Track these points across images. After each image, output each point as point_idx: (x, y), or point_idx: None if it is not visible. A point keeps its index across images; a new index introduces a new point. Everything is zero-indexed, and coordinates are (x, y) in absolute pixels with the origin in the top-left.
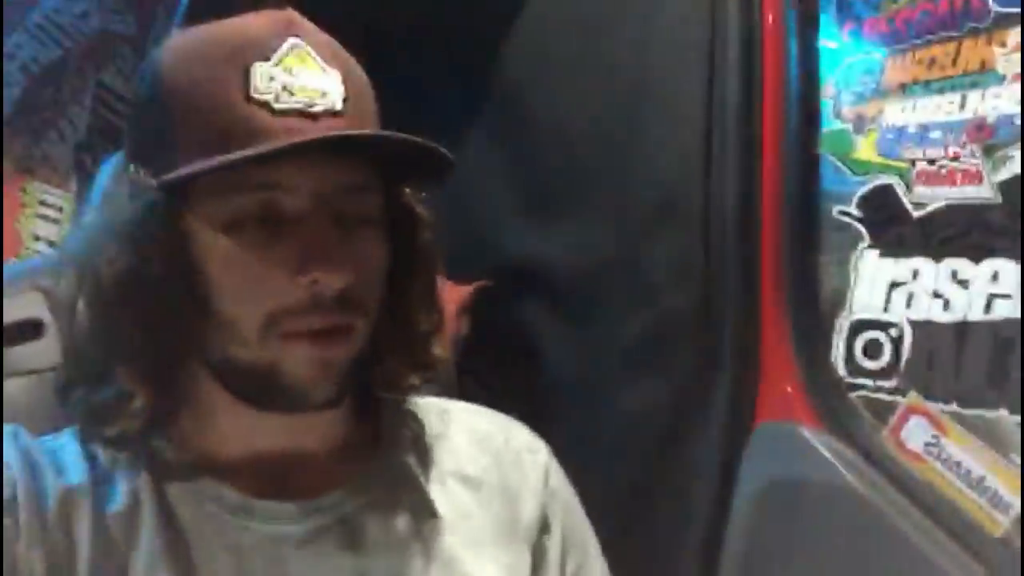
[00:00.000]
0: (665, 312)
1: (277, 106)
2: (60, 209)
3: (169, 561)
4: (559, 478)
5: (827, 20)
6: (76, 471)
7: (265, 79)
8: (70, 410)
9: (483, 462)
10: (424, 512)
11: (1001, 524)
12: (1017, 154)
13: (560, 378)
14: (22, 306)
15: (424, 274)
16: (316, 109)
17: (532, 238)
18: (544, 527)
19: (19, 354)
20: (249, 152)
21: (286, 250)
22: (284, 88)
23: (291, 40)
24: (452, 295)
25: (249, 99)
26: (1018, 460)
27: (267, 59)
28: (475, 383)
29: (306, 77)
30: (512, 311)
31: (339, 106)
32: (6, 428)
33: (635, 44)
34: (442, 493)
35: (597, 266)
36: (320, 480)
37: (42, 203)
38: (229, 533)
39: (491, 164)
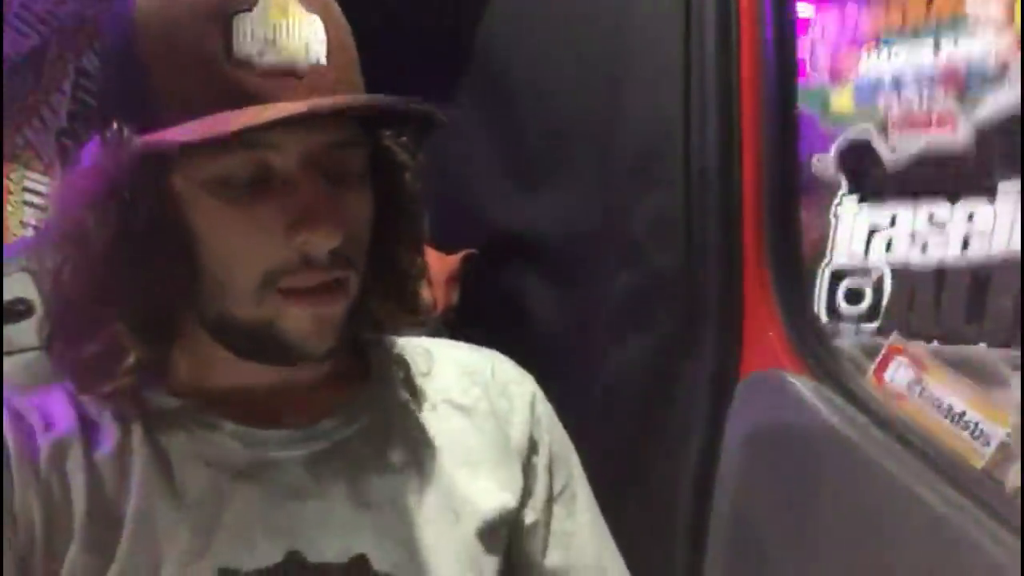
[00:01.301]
0: (649, 270)
1: (261, 64)
2: (45, 195)
3: (162, 491)
4: (544, 405)
5: None
6: (64, 420)
7: (247, 34)
8: (58, 366)
9: (473, 392)
10: (418, 435)
11: (983, 456)
12: (989, 98)
13: (550, 342)
14: (9, 286)
15: (408, 217)
16: (300, 66)
17: (518, 205)
18: (533, 448)
19: (9, 333)
20: (237, 126)
21: (276, 211)
22: (267, 41)
23: None
24: (440, 265)
25: (231, 55)
26: (998, 394)
27: (248, 9)
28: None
29: (289, 29)
30: (501, 278)
31: (323, 59)
32: None
33: (613, 7)
34: (434, 418)
35: (582, 229)
36: (313, 409)
37: (27, 190)
38: (225, 459)
39: (475, 133)
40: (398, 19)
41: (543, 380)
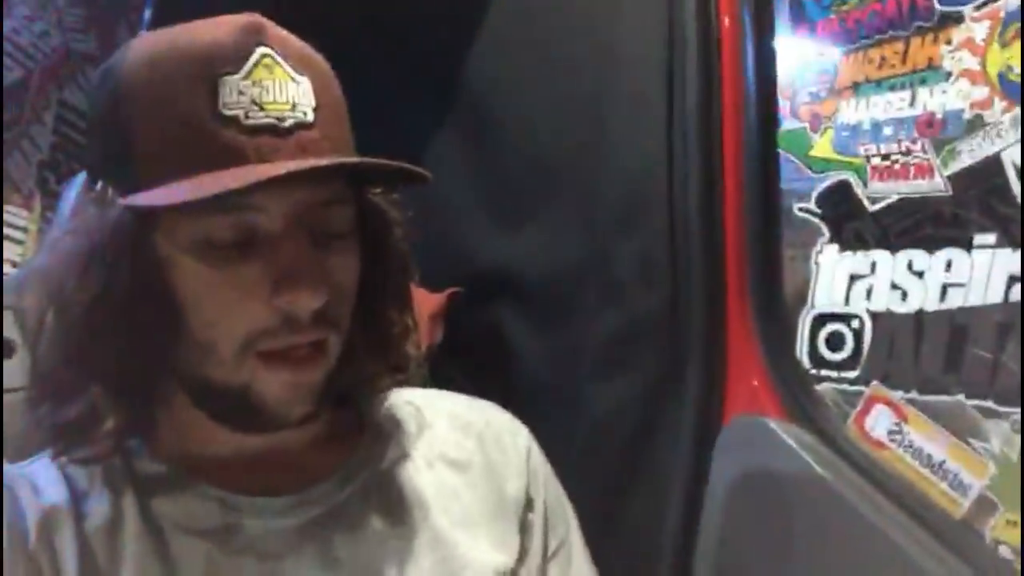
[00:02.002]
0: (633, 312)
1: (247, 123)
2: (24, 229)
3: (157, 567)
4: (539, 458)
5: (781, 22)
6: (54, 491)
7: (234, 93)
8: (38, 429)
9: (467, 446)
10: (413, 496)
11: (961, 505)
12: (964, 147)
13: (534, 381)
14: None
15: (395, 275)
16: (287, 124)
17: (502, 243)
18: (528, 504)
19: None
20: (218, 188)
21: (260, 273)
22: (254, 102)
23: (260, 49)
24: (425, 303)
25: (217, 115)
26: (976, 444)
27: (236, 71)
28: (450, 389)
29: (276, 89)
30: (485, 317)
31: (310, 117)
32: None
33: (596, 47)
34: (430, 476)
35: (567, 269)
36: (307, 473)
37: (6, 224)
38: (219, 533)
39: (460, 171)
40: (383, 55)
41: (525, 420)
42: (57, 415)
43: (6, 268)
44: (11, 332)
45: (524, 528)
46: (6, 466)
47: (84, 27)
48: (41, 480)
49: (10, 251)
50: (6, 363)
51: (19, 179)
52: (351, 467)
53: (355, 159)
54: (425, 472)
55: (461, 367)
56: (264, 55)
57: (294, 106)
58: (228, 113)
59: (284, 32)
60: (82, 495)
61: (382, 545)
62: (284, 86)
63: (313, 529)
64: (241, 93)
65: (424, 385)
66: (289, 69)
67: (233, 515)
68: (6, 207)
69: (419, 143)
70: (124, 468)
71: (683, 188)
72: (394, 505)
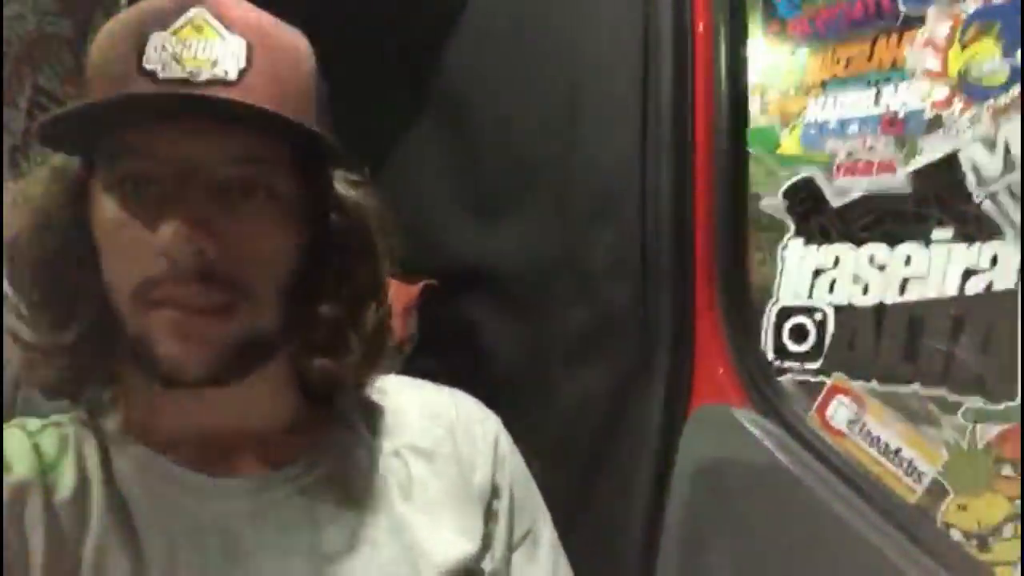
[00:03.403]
0: (604, 304)
1: (162, 75)
2: None
3: (120, 542)
4: (508, 446)
5: (753, 20)
6: (22, 464)
7: (157, 49)
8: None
9: (435, 434)
10: (378, 483)
11: (916, 492)
12: (926, 145)
13: (507, 373)
14: None
15: (360, 265)
16: (201, 78)
17: (477, 236)
18: (495, 492)
19: None
20: (79, 104)
21: (150, 219)
22: (174, 58)
23: (194, 10)
24: (399, 294)
25: (140, 70)
26: (931, 432)
27: (164, 29)
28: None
29: (199, 47)
30: (459, 308)
31: (232, 76)
32: None
33: (572, 44)
34: (396, 464)
35: (540, 262)
36: (271, 457)
37: None
38: (180, 511)
39: (436, 164)
40: (359, 45)
41: (498, 410)
42: (28, 366)
43: None
44: None
45: (489, 516)
46: None
47: (60, 11)
48: (11, 451)
49: None
50: None
51: None
52: (316, 453)
53: (224, 98)
54: (392, 460)
55: (435, 358)
56: (196, 15)
57: (214, 63)
58: (148, 67)
59: (237, 2)
60: (51, 464)
61: (343, 531)
62: (209, 44)
63: (274, 512)
64: (164, 49)
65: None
66: (220, 28)
67: (196, 494)
68: None
69: (395, 136)
70: (94, 439)
71: (655, 184)
72: (358, 492)
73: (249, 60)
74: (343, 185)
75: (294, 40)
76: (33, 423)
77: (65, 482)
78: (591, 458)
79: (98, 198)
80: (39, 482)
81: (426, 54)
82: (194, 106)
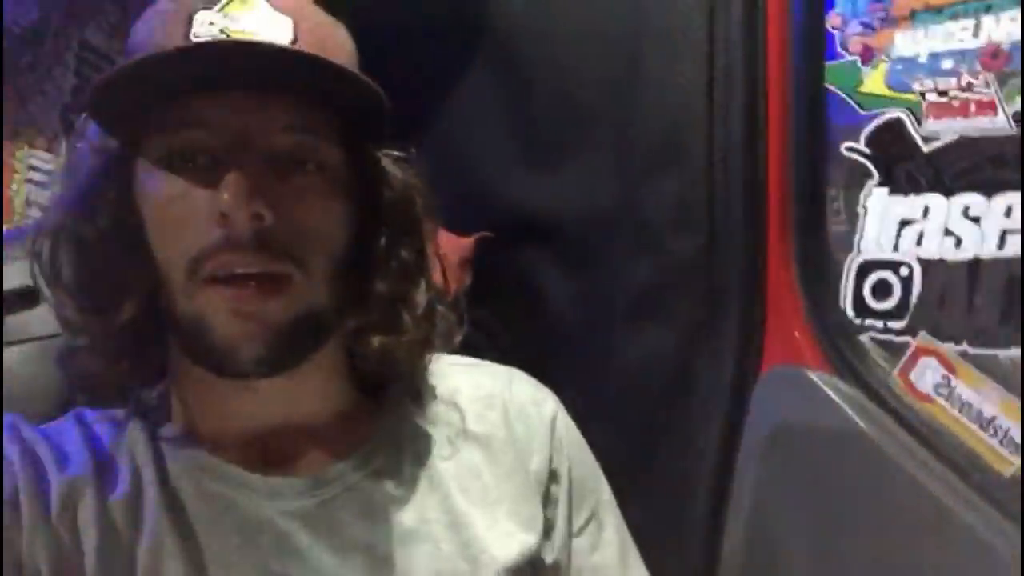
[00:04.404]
0: (668, 258)
1: None
2: (50, 173)
3: (175, 543)
4: (566, 427)
5: None
6: (78, 460)
7: (205, 24)
8: (67, 372)
9: (490, 418)
10: (432, 475)
11: (1012, 464)
12: None
13: (566, 327)
14: (16, 273)
15: (390, 235)
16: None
17: (533, 186)
18: (553, 476)
19: (18, 322)
20: (131, 61)
21: (205, 190)
22: (221, 31)
23: None
24: (454, 246)
25: (189, 42)
26: None
27: (211, 7)
28: (480, 334)
29: (247, 21)
30: (515, 261)
31: (283, 44)
32: (5, 420)
33: None
34: (451, 455)
35: (600, 212)
36: (325, 452)
37: (32, 168)
38: (235, 511)
39: (490, 112)
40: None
41: (556, 368)
42: (76, 360)
43: (35, 212)
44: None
45: (548, 502)
46: (30, 427)
47: None
48: (67, 445)
49: (38, 196)
50: (33, 311)
51: (43, 122)
52: (369, 447)
53: (275, 44)
54: (446, 449)
55: (491, 312)
56: None
57: (262, 36)
58: (196, 41)
59: None
60: (106, 463)
61: (400, 528)
62: (257, 19)
63: (328, 511)
64: (211, 24)
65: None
66: (268, 5)
67: (249, 494)
68: (33, 152)
69: (448, 84)
70: (147, 437)
71: (724, 125)
72: (412, 487)
73: (296, 35)
74: (388, 162)
75: (334, 23)
76: (90, 415)
77: (120, 481)
78: (654, 421)
79: (145, 174)
80: (94, 480)
81: (481, 3)
82: (253, 56)
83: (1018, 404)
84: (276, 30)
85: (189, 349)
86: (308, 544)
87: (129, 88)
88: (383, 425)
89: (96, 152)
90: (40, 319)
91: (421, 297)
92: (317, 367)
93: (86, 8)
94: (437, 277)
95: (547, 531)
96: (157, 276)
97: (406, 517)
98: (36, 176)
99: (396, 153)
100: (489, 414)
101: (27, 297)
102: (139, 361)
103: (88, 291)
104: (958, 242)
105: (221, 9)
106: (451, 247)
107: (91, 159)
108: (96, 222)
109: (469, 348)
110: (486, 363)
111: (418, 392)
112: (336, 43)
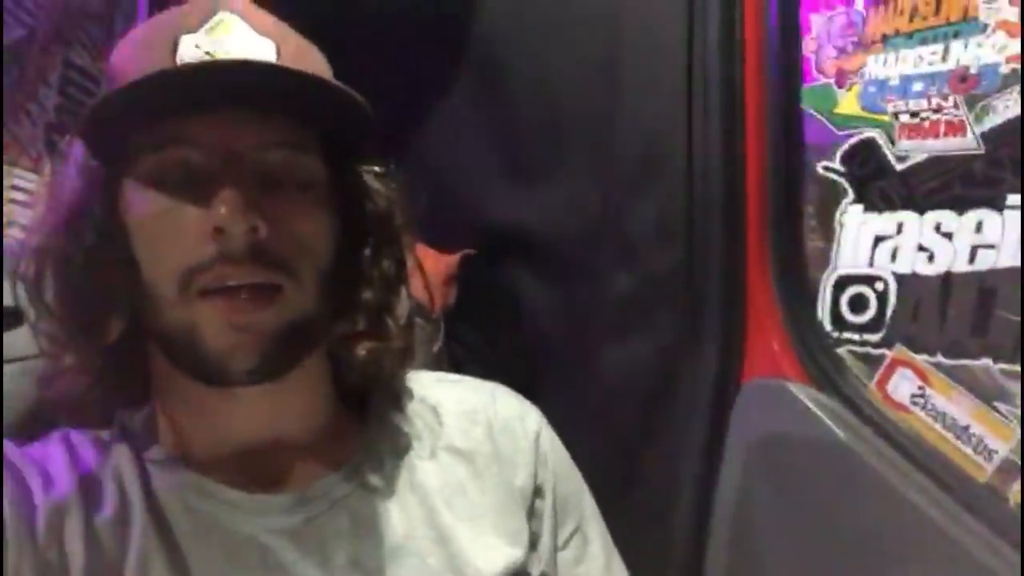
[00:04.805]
0: (650, 271)
1: None
2: (33, 193)
3: (162, 563)
4: (550, 441)
5: None
6: (63, 482)
7: (191, 47)
8: (44, 397)
9: (474, 434)
10: (418, 491)
11: (986, 470)
12: (1000, 103)
13: (548, 341)
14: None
15: (373, 246)
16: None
17: (515, 201)
18: (538, 491)
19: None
20: (127, 84)
21: (198, 207)
22: (207, 54)
23: (222, 13)
24: (438, 264)
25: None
26: (1003, 407)
27: (195, 31)
28: (464, 350)
29: (231, 44)
30: (499, 277)
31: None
32: None
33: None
34: (435, 469)
35: (581, 228)
36: (309, 468)
37: (14, 187)
38: (221, 529)
39: (471, 129)
40: (393, 9)
41: (539, 381)
42: (59, 381)
43: (16, 233)
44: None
45: (533, 516)
46: (16, 448)
47: None
48: (52, 466)
49: (21, 215)
50: (18, 331)
51: (27, 142)
52: (353, 462)
53: (266, 62)
54: (430, 464)
55: (475, 328)
56: (226, 17)
57: (248, 56)
58: (181, 64)
59: (256, 7)
60: (92, 483)
61: (386, 543)
62: (241, 41)
63: (314, 527)
64: (197, 47)
65: (439, 349)
66: (250, 29)
67: (235, 512)
68: (15, 171)
69: (431, 104)
70: (133, 457)
71: (703, 144)
72: (397, 501)
73: (279, 55)
74: (368, 176)
75: (311, 46)
76: (76, 436)
77: (106, 501)
78: (637, 432)
79: (133, 192)
80: (80, 501)
81: (462, 14)
82: (246, 73)
83: (990, 412)
84: (259, 51)
85: (179, 361)
86: (294, 561)
87: (123, 110)
88: (367, 439)
89: (81, 172)
90: (24, 339)
91: (403, 307)
92: (304, 377)
93: (71, 27)
94: (421, 292)
95: (533, 544)
96: (142, 294)
97: (392, 532)
98: (18, 196)
99: (376, 168)
100: (473, 429)
101: (10, 316)
102: (124, 381)
103: (74, 310)
104: (931, 257)
105: (206, 33)
106: (436, 264)
107: (76, 179)
108: (82, 241)
109: (453, 363)
110: (469, 379)
111: (401, 405)
112: (315, 62)
